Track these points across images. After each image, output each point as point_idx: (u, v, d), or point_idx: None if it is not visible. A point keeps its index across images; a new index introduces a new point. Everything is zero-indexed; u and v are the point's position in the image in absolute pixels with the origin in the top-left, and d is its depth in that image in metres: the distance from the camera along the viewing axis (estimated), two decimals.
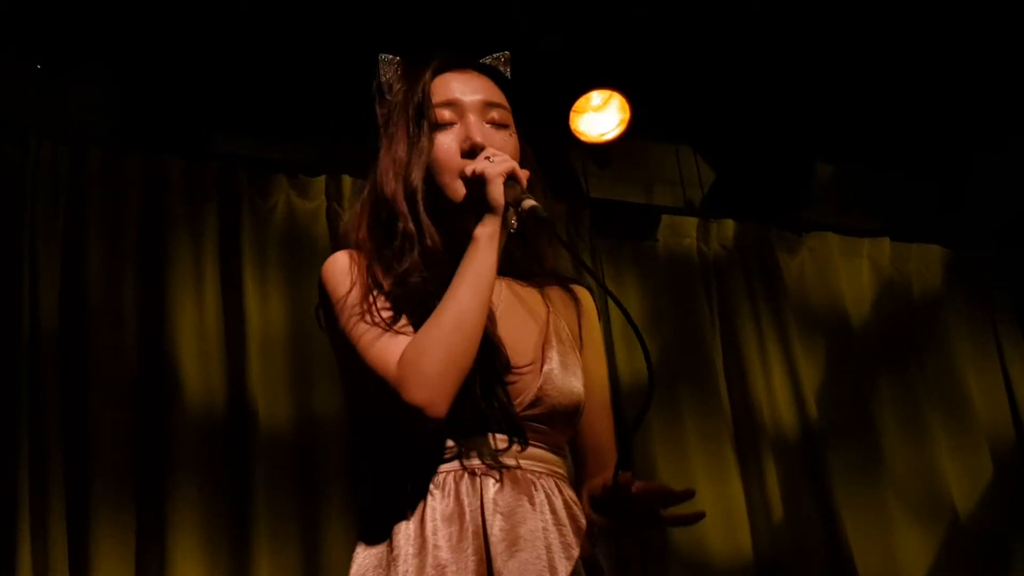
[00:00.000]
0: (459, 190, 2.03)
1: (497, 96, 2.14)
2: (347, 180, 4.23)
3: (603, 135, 4.49)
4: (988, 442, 4.87)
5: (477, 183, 1.98)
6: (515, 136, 2.13)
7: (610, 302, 2.26)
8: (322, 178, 4.24)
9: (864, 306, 4.97)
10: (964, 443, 4.83)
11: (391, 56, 2.20)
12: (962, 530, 4.63)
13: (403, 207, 2.05)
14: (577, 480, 2.12)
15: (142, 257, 3.91)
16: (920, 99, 4.74)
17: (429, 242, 2.04)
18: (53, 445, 3.55)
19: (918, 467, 4.70)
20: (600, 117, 4.48)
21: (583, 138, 4.48)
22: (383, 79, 2.18)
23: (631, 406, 4.13)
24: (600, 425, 2.15)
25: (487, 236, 1.95)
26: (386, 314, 1.98)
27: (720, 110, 4.75)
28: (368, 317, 1.96)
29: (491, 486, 1.93)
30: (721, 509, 4.33)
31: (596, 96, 4.44)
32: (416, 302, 1.96)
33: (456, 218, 2.02)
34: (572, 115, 4.44)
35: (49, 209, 3.82)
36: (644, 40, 4.37)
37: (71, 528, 3.50)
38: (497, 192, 1.95)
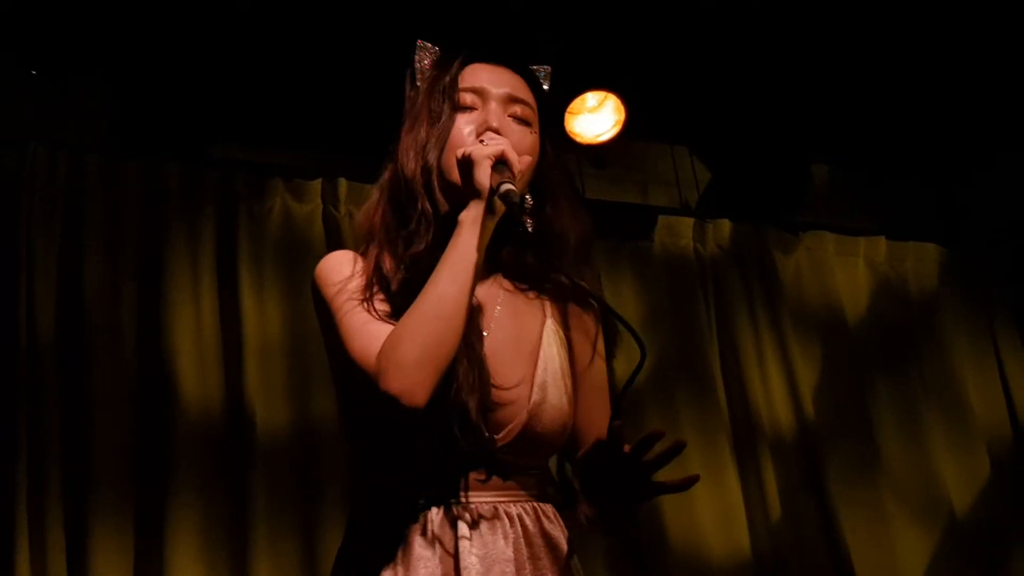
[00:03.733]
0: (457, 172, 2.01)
1: (524, 94, 2.13)
2: (343, 183, 4.24)
3: (599, 136, 4.48)
4: (985, 441, 4.88)
5: (466, 165, 1.96)
6: (536, 135, 2.12)
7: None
8: (318, 181, 4.25)
9: (860, 305, 4.98)
10: (961, 442, 4.84)
11: (428, 44, 2.19)
12: (960, 529, 4.64)
13: (420, 186, 2.04)
14: (570, 465, 2.12)
15: (139, 262, 3.92)
16: (917, 98, 4.74)
17: (442, 224, 2.01)
18: (51, 451, 3.55)
19: (915, 467, 4.70)
20: (595, 118, 4.48)
21: (579, 139, 4.48)
22: (417, 65, 2.17)
23: (628, 411, 4.14)
24: (596, 412, 2.12)
25: (470, 220, 1.92)
26: (382, 307, 1.96)
27: (716, 110, 4.75)
28: (361, 308, 1.95)
29: (465, 524, 1.91)
30: (719, 509, 4.33)
31: (591, 97, 4.44)
32: (415, 288, 1.92)
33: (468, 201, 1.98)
34: (567, 116, 4.44)
35: (47, 215, 3.82)
36: (639, 41, 4.37)
37: (69, 535, 3.51)
38: (482, 175, 1.92)
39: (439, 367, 1.85)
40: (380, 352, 1.86)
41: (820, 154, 5.00)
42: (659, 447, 1.84)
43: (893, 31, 4.42)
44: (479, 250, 1.92)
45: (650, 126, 4.67)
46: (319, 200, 4.24)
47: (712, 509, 4.33)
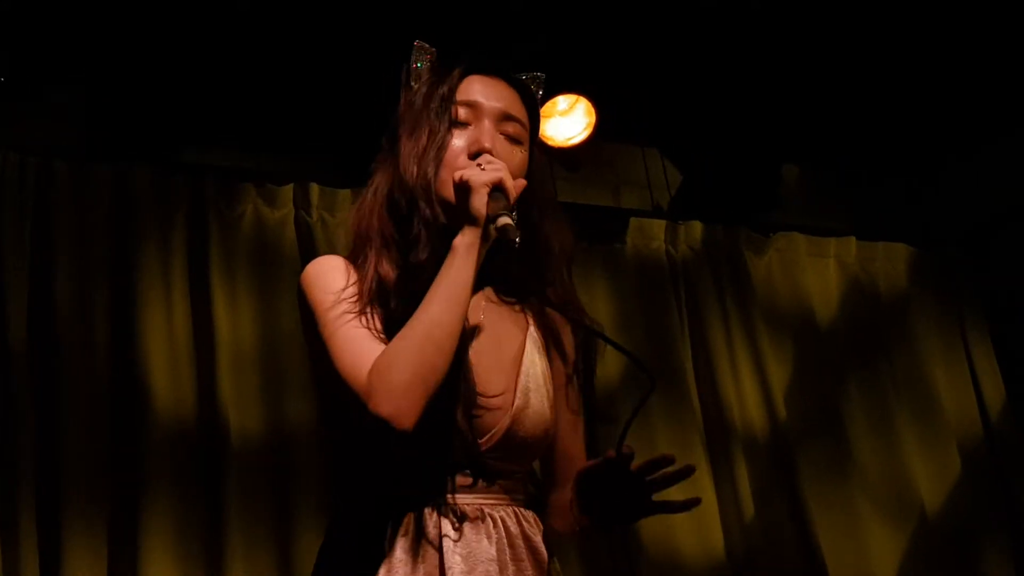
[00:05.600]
0: (452, 191, 2.00)
1: (518, 111, 2.13)
2: (315, 188, 4.24)
3: (570, 139, 4.50)
4: (956, 439, 4.90)
5: (463, 190, 1.95)
6: (526, 154, 2.12)
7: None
8: (289, 187, 4.24)
9: (831, 305, 5.01)
10: (932, 441, 4.86)
11: (427, 45, 2.19)
12: (931, 527, 4.67)
13: (423, 195, 2.02)
14: (544, 489, 2.13)
15: (111, 269, 3.90)
16: (886, 99, 4.77)
17: (440, 236, 2.00)
18: (24, 458, 3.53)
19: (887, 465, 4.72)
20: (566, 121, 4.49)
21: (550, 142, 4.48)
22: (414, 65, 2.17)
23: (601, 420, 4.13)
24: (570, 437, 2.15)
25: (465, 246, 1.92)
26: (377, 319, 1.96)
27: (686, 113, 4.77)
28: (354, 320, 1.94)
29: (450, 525, 1.93)
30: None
31: (562, 100, 4.46)
32: (413, 302, 1.92)
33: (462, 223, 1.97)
34: None
35: (16, 222, 3.80)
36: (609, 44, 4.38)
37: (42, 542, 3.49)
38: (479, 202, 1.92)
39: (428, 392, 1.85)
40: (371, 372, 1.86)
41: (790, 155, 5.02)
42: (668, 469, 1.89)
43: (862, 32, 4.44)
44: (472, 276, 1.92)
45: (621, 129, 4.69)
46: (291, 205, 4.23)
47: None
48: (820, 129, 4.88)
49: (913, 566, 4.58)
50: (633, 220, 4.81)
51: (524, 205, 2.06)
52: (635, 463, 1.89)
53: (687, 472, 1.89)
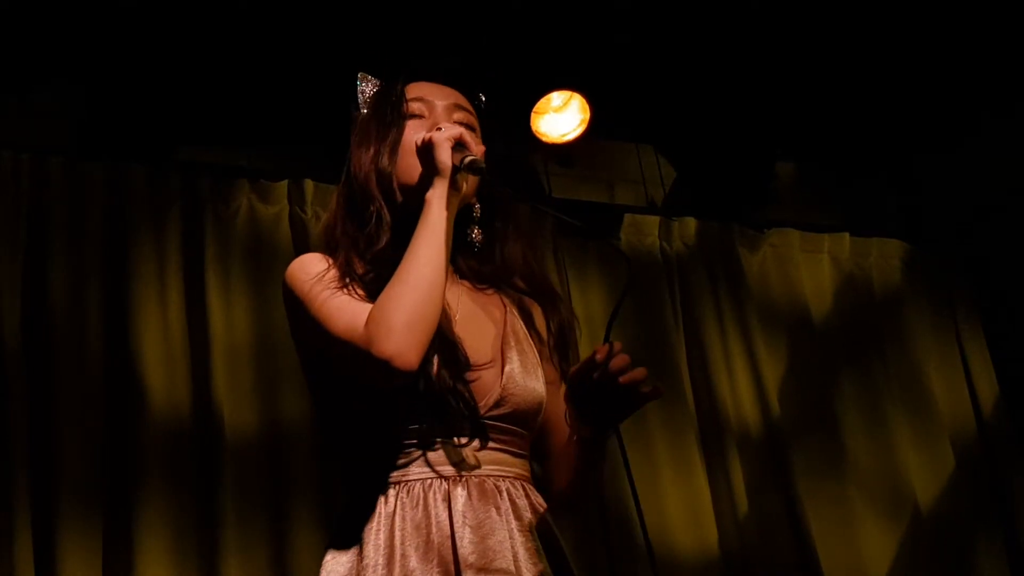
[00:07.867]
0: (416, 167, 2.11)
1: (466, 104, 2.24)
2: (309, 184, 4.24)
3: (564, 135, 4.50)
4: (950, 436, 4.90)
5: (427, 149, 2.07)
6: (480, 140, 2.20)
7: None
8: (284, 182, 4.24)
9: (825, 301, 5.01)
10: (926, 437, 4.86)
11: (370, 76, 2.29)
12: (925, 524, 4.67)
13: (376, 191, 2.13)
14: (540, 467, 2.18)
15: (105, 266, 3.90)
16: (879, 95, 4.78)
17: (401, 223, 2.10)
18: (19, 455, 3.53)
19: (881, 462, 4.73)
20: (561, 118, 4.49)
21: (544, 139, 4.50)
22: (360, 95, 2.27)
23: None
24: (558, 416, 2.18)
25: (437, 197, 2.04)
26: (359, 292, 2.03)
27: (680, 109, 4.77)
28: (340, 292, 2.01)
29: (459, 497, 1.97)
30: (687, 506, 4.35)
31: (556, 97, 4.46)
32: (387, 282, 1.99)
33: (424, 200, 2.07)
34: (533, 116, 4.45)
35: (10, 219, 3.80)
36: (603, 40, 4.39)
37: (37, 539, 3.48)
38: (444, 155, 2.04)
39: (427, 330, 1.94)
40: (368, 321, 1.93)
41: (784, 151, 5.02)
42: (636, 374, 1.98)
43: (855, 29, 4.45)
44: (448, 223, 2.03)
45: (615, 125, 4.69)
46: (285, 201, 4.23)
47: (680, 506, 4.34)
48: (814, 125, 4.89)
49: (906, 561, 4.58)
50: (627, 216, 4.81)
51: (485, 207, 2.19)
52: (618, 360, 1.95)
53: (655, 395, 2.00)
